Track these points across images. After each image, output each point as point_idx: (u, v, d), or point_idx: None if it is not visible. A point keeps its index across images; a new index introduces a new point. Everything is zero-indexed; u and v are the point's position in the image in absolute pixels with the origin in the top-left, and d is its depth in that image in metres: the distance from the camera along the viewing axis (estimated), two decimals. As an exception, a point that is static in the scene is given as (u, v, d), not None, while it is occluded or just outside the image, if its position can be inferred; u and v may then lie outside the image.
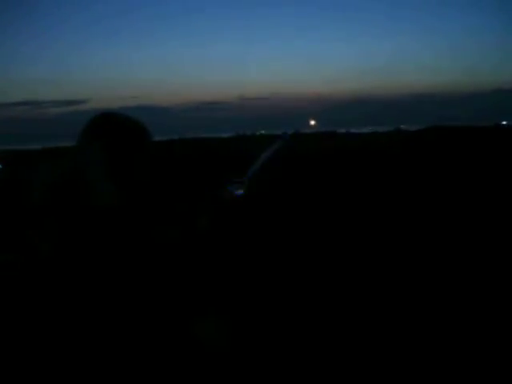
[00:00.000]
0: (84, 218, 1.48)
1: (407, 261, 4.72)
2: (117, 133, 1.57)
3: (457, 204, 7.37)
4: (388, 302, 3.75)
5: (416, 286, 4.07)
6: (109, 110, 1.68)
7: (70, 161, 1.58)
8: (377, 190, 9.04)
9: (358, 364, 2.90)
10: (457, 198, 7.87)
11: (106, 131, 1.57)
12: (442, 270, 4.45)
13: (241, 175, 1.87)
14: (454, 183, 9.36)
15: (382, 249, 5.17)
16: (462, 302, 3.71)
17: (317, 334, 3.26)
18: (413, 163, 13.48)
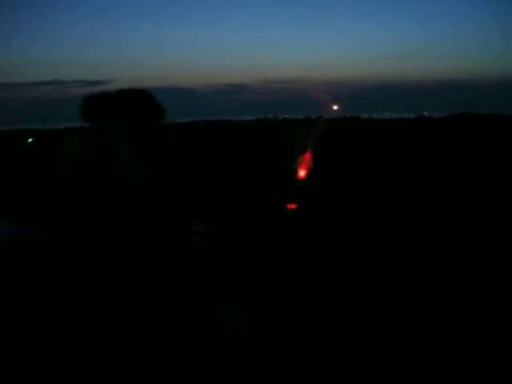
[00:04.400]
0: (116, 193, 1.48)
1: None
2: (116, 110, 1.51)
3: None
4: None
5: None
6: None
7: (93, 138, 1.58)
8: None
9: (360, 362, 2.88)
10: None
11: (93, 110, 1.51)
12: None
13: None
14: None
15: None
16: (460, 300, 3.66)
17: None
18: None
